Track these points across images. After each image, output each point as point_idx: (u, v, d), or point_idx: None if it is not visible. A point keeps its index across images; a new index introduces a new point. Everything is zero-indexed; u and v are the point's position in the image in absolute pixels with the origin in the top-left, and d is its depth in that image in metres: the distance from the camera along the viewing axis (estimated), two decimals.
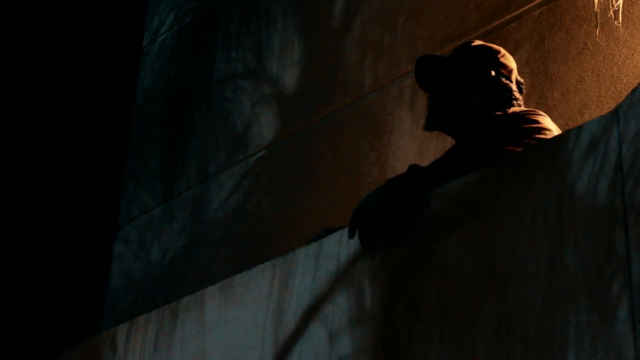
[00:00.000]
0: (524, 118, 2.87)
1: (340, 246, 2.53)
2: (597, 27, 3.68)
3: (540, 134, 2.77)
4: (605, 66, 3.62)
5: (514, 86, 3.07)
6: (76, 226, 6.36)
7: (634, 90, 2.12)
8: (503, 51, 3.14)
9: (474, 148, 2.75)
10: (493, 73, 3.03)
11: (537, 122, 2.84)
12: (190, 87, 5.29)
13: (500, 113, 2.95)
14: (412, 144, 4.02)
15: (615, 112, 2.12)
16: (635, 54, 3.55)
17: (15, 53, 6.78)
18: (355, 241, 2.50)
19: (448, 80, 3.05)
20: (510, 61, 3.12)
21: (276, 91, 4.81)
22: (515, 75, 3.10)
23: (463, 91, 3.00)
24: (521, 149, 2.60)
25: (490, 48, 3.14)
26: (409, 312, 2.30)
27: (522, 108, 3.03)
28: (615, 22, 3.62)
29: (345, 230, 2.55)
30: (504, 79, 3.05)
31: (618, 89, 3.54)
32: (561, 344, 2.00)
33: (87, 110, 6.59)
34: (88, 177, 6.43)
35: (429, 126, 3.02)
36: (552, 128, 2.85)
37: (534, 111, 2.97)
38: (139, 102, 5.59)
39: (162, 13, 5.71)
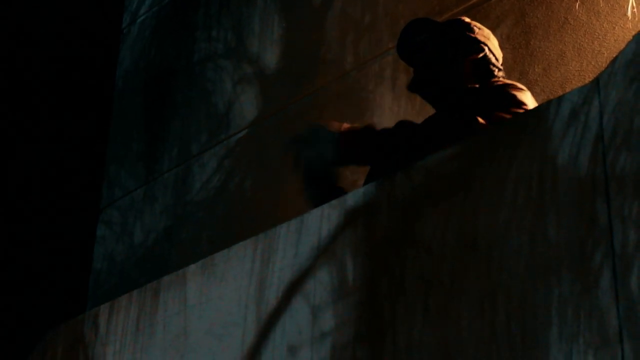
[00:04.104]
0: (503, 90, 2.92)
1: (321, 221, 2.52)
2: (578, 2, 3.68)
3: (516, 107, 2.82)
4: (587, 40, 3.61)
5: (499, 65, 3.14)
6: (58, 209, 6.33)
7: (614, 60, 2.11)
8: (492, 36, 3.23)
9: (449, 119, 2.82)
10: (486, 50, 3.09)
11: (514, 96, 2.88)
12: (171, 67, 5.26)
13: (480, 85, 3.00)
14: (393, 121, 4.00)
15: (596, 82, 2.11)
16: (616, 27, 3.55)
17: None
18: (337, 216, 2.49)
19: (438, 48, 3.08)
20: (497, 45, 3.21)
21: (257, 70, 4.79)
22: (501, 60, 3.16)
23: (455, 61, 3.05)
24: (495, 121, 2.68)
25: (481, 28, 3.20)
26: (392, 286, 2.29)
27: (505, 80, 3.08)
28: None
29: (327, 206, 2.55)
30: (494, 59, 3.11)
31: (599, 63, 3.54)
32: (544, 315, 2.00)
33: (67, 92, 6.55)
34: (69, 160, 6.40)
35: (414, 87, 3.08)
36: (529, 103, 2.90)
37: (514, 84, 3.02)
38: (119, 84, 5.56)
39: None
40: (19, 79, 6.70)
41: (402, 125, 2.99)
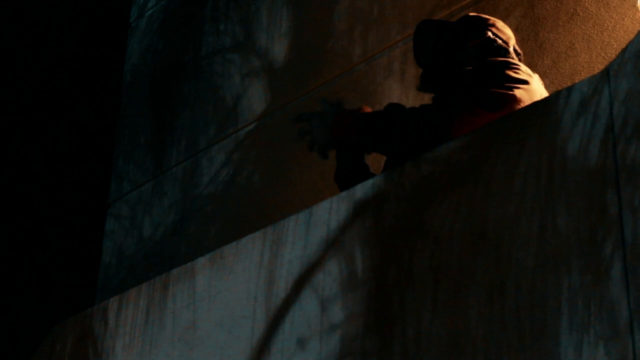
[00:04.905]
0: (495, 68, 2.90)
1: (330, 214, 2.52)
2: None
3: (509, 83, 2.81)
4: (596, 32, 3.60)
5: (510, 49, 3.10)
6: (67, 203, 6.34)
7: (624, 50, 2.10)
8: (500, 22, 3.20)
9: (437, 105, 2.83)
10: (489, 34, 3.08)
11: (504, 72, 2.87)
12: (179, 61, 5.25)
13: (475, 66, 2.98)
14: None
15: (606, 72, 2.10)
16: (626, 19, 3.53)
17: None
18: (345, 208, 2.48)
19: (445, 45, 3.08)
20: (507, 29, 3.19)
21: (265, 64, 4.78)
22: (512, 42, 3.15)
23: (460, 51, 3.04)
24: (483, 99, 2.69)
25: (487, 17, 3.19)
26: (401, 277, 2.29)
27: (499, 59, 3.05)
28: None
29: (336, 198, 2.54)
30: (499, 41, 3.08)
31: (609, 55, 3.52)
32: (554, 306, 1.99)
33: (75, 87, 6.56)
34: (78, 154, 6.41)
35: (423, 87, 3.08)
36: (524, 77, 2.88)
37: (507, 61, 2.99)
38: (127, 78, 5.56)
39: None
40: (26, 74, 6.70)
41: (392, 110, 2.96)
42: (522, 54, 3.19)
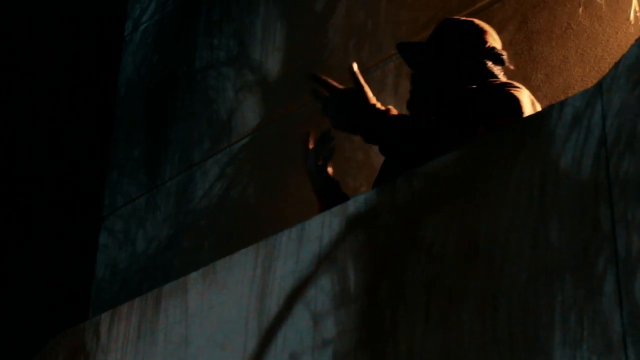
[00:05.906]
0: (500, 94, 2.85)
1: (323, 229, 2.51)
2: (581, 7, 3.66)
3: (512, 111, 2.77)
4: (589, 46, 3.60)
5: (487, 60, 3.00)
6: (61, 217, 6.33)
7: (617, 64, 2.10)
8: (476, 23, 3.09)
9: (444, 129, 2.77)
10: (457, 48, 2.99)
11: (511, 96, 2.83)
12: (173, 75, 5.25)
13: (474, 87, 2.92)
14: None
15: (599, 86, 2.10)
16: (619, 32, 3.53)
17: None
18: (338, 223, 2.48)
19: (425, 66, 3.03)
20: (484, 35, 3.06)
21: (259, 78, 4.78)
22: (488, 46, 3.02)
23: (434, 71, 2.99)
24: (490, 129, 2.65)
25: (458, 22, 3.10)
26: (393, 292, 2.28)
27: (500, 80, 2.99)
28: (598, 1, 3.60)
29: (328, 213, 2.53)
30: (473, 52, 3.00)
31: (602, 69, 3.52)
32: (547, 320, 1.98)
33: (69, 100, 6.55)
34: (71, 168, 6.40)
35: (420, 114, 3.03)
36: (525, 102, 2.83)
37: (512, 84, 2.93)
38: (121, 92, 5.56)
39: (144, 1, 5.67)
40: (20, 87, 6.69)
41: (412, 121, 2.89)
42: (504, 55, 3.06)
